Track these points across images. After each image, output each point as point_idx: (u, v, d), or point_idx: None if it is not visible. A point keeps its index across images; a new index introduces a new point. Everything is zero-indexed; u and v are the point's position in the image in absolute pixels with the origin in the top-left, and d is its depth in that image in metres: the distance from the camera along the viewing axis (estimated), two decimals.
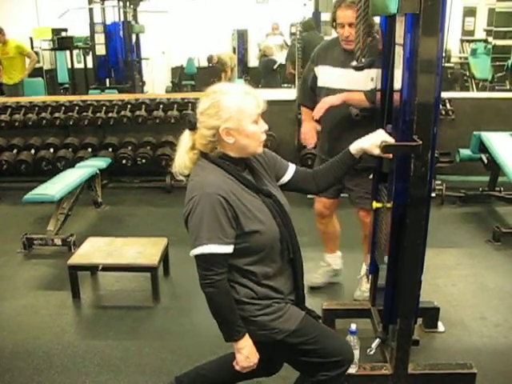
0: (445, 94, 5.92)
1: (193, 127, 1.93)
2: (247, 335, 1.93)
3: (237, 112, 1.85)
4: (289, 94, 6.56)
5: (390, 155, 2.22)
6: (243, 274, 1.93)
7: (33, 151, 6.04)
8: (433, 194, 4.86)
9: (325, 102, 3.14)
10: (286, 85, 10.26)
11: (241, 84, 2.28)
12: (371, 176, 3.19)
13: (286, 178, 2.15)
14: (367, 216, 3.31)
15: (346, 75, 3.12)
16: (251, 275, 1.93)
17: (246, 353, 1.93)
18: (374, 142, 2.12)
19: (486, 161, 5.26)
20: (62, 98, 6.73)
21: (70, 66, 10.15)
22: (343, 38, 3.15)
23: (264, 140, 1.97)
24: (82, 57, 10.36)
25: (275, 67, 10.25)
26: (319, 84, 3.30)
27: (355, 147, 2.13)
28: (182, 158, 1.97)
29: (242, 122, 1.86)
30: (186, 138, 1.98)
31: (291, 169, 2.17)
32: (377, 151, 2.12)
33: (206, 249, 1.83)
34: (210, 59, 11.93)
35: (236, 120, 1.85)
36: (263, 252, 1.92)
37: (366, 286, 3.46)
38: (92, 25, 9.06)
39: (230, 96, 1.86)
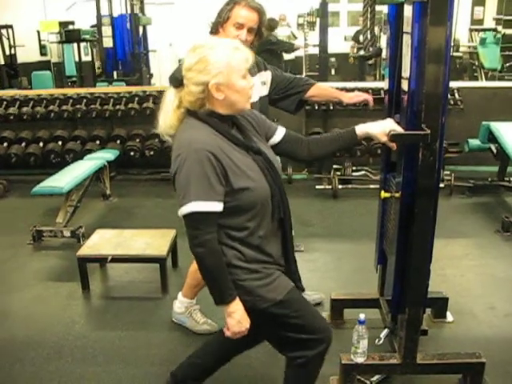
0: (453, 84, 5.89)
1: (179, 84, 1.87)
2: (238, 299, 1.88)
3: (226, 67, 1.79)
4: None
5: (395, 145, 2.19)
6: (231, 235, 1.88)
7: (41, 144, 6.07)
8: (441, 185, 4.84)
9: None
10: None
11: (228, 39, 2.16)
12: None
13: (276, 139, 2.11)
14: None
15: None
16: (240, 236, 1.88)
17: (238, 317, 1.89)
18: (382, 129, 2.10)
19: (495, 151, 5.23)
20: (70, 91, 6.76)
21: (77, 59, 10.16)
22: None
23: (251, 96, 1.92)
24: (90, 49, 10.36)
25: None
26: None
27: (361, 129, 2.10)
28: (170, 117, 1.90)
29: (232, 77, 1.81)
30: (171, 96, 1.91)
31: (281, 130, 2.13)
32: (384, 139, 2.11)
33: (195, 206, 1.78)
34: None
35: (226, 75, 1.79)
36: (254, 210, 1.87)
37: (200, 318, 3.18)
38: (99, 17, 9.04)
39: (219, 50, 1.80)
